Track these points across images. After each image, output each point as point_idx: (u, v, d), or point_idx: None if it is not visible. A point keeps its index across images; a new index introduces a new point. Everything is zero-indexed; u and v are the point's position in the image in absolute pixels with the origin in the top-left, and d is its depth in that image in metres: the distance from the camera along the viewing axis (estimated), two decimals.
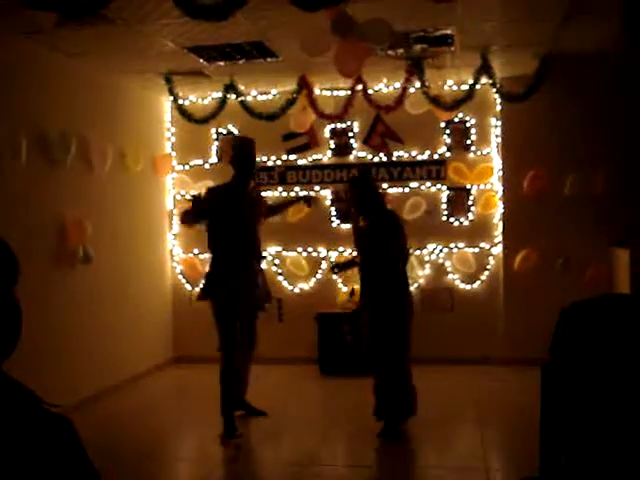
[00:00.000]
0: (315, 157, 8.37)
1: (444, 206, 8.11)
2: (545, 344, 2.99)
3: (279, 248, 8.43)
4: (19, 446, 1.19)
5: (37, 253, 5.98)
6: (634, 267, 6.59)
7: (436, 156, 8.12)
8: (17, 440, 1.19)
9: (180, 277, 8.65)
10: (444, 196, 8.12)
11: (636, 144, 5.17)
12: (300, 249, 8.38)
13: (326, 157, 8.37)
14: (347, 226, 8.20)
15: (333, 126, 8.29)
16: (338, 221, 8.32)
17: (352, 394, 6.70)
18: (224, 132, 8.53)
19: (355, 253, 5.77)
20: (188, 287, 8.50)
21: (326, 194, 8.34)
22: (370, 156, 8.27)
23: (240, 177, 5.86)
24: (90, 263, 6.60)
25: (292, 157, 8.41)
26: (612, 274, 7.29)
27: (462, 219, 8.08)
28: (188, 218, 5.82)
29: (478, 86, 7.21)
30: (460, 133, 8.09)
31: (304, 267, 8.38)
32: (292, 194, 8.35)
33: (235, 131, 8.50)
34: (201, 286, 5.90)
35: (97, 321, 6.91)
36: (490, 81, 7.16)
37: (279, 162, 8.46)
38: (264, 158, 8.44)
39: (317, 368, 7.79)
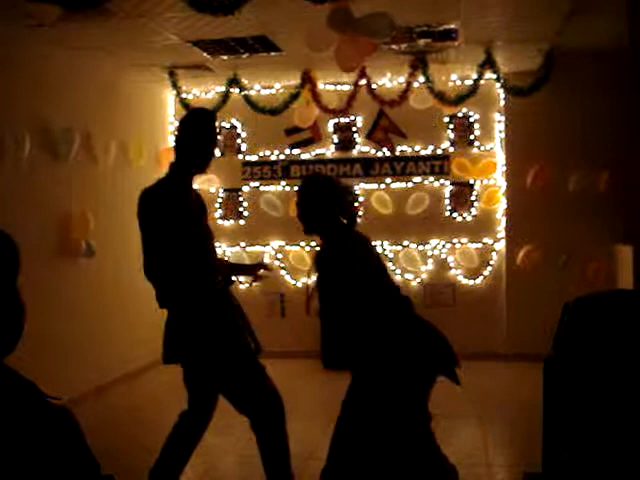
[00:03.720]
0: (318, 152, 8.36)
1: (447, 201, 8.11)
2: (548, 339, 2.98)
3: (282, 242, 8.43)
4: (21, 437, 1.19)
5: (40, 247, 5.98)
6: (637, 263, 6.59)
7: (439, 151, 8.11)
8: (19, 431, 1.19)
9: None
10: (447, 191, 8.11)
11: None
12: (303, 243, 8.37)
13: (329, 152, 8.36)
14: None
15: (336, 121, 8.28)
16: None
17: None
18: (227, 126, 8.52)
19: None
20: None
21: None
22: (373, 151, 8.25)
23: (183, 166, 3.88)
24: (93, 257, 6.61)
25: (295, 152, 8.41)
26: (615, 270, 7.28)
27: (465, 214, 8.07)
28: None
29: (482, 81, 7.19)
30: (464, 128, 8.07)
31: (307, 261, 8.38)
32: (295, 188, 8.34)
33: (238, 125, 8.49)
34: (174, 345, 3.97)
35: (99, 315, 6.92)
36: (494, 76, 7.15)
37: (282, 156, 8.45)
38: (267, 152, 8.44)
39: (319, 363, 7.79)
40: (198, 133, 3.84)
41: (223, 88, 7.74)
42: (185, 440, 3.98)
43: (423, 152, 8.13)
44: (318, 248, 3.60)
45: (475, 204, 8.05)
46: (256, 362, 3.93)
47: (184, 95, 7.83)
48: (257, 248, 8.49)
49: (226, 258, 4.25)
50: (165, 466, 3.93)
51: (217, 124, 3.97)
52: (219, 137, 8.48)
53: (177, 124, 4.00)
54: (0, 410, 1.20)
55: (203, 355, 3.75)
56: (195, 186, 4.01)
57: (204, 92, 8.37)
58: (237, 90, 7.69)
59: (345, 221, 3.62)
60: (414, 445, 3.31)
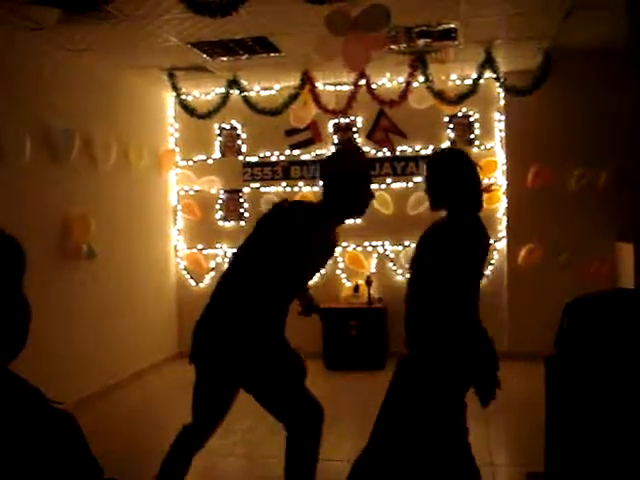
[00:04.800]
0: (319, 152, 8.36)
1: None
2: (549, 339, 2.98)
3: None
4: (24, 442, 1.19)
5: (41, 249, 5.98)
6: (638, 261, 6.59)
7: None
8: (22, 436, 1.19)
9: (184, 272, 8.66)
10: None
11: None
12: None
13: (329, 152, 8.35)
14: (350, 221, 8.19)
15: (336, 121, 8.29)
16: None
17: (357, 389, 6.70)
18: (227, 127, 8.52)
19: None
20: (192, 282, 8.52)
21: None
22: (374, 151, 8.25)
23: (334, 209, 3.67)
24: (94, 259, 6.61)
25: (295, 152, 8.41)
26: (616, 269, 7.28)
27: None
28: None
29: (482, 80, 7.19)
30: (464, 127, 8.07)
31: None
32: (296, 189, 8.36)
33: (238, 126, 8.49)
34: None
35: (101, 317, 6.92)
36: (494, 75, 7.15)
37: (282, 157, 8.45)
38: (267, 153, 8.45)
39: (321, 363, 7.79)
40: (361, 188, 3.64)
41: (223, 89, 7.75)
42: (184, 452, 3.92)
43: (423, 152, 8.12)
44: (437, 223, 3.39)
45: None
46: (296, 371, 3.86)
47: (184, 97, 7.84)
48: None
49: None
50: (166, 475, 3.91)
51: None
52: (217, 141, 8.47)
53: (338, 175, 3.65)
54: (3, 415, 1.20)
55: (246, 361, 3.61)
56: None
57: (204, 94, 8.37)
58: (237, 91, 7.69)
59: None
60: (450, 441, 3.33)
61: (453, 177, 3.28)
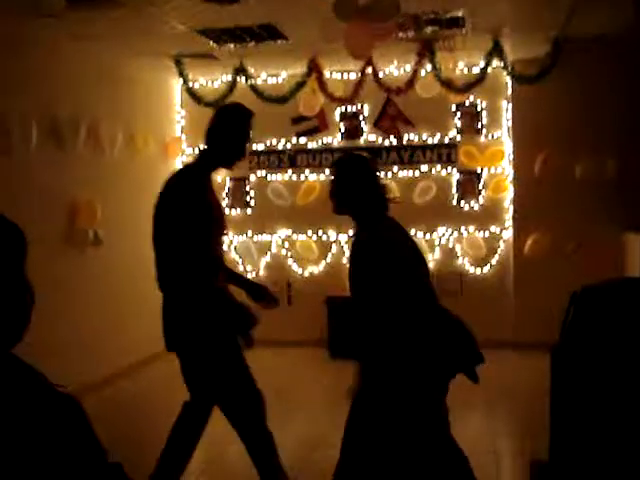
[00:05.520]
0: (325, 140, 8.34)
1: (454, 190, 8.09)
2: (555, 328, 2.98)
3: (289, 232, 8.43)
4: (28, 425, 1.20)
5: (48, 236, 5.99)
6: None
7: (447, 139, 8.08)
8: (26, 419, 1.20)
9: None
10: (454, 179, 8.09)
11: None
12: (310, 232, 8.37)
13: (336, 140, 8.34)
14: None
15: (343, 109, 8.26)
16: None
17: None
18: None
19: None
20: None
21: None
22: (380, 139, 8.23)
23: (212, 158, 3.92)
24: (100, 245, 6.63)
25: (302, 140, 8.40)
26: (623, 259, 7.26)
27: (472, 203, 8.05)
28: None
29: (489, 69, 7.16)
30: (471, 116, 8.04)
31: (314, 250, 8.38)
32: (302, 177, 8.36)
33: None
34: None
35: (106, 303, 6.93)
36: (502, 64, 7.11)
37: (289, 145, 8.44)
38: (274, 141, 8.44)
39: (326, 351, 7.80)
40: (236, 129, 3.91)
41: (229, 77, 7.73)
42: (189, 431, 4.00)
43: (430, 140, 8.10)
44: (353, 233, 3.47)
45: (482, 192, 8.03)
46: (241, 360, 3.95)
47: (190, 84, 7.83)
48: (264, 237, 8.50)
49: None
50: (170, 458, 3.97)
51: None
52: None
53: (215, 115, 4.01)
54: (8, 398, 1.21)
55: (192, 345, 3.83)
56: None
57: (210, 81, 8.35)
58: (243, 79, 7.67)
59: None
60: (430, 439, 3.28)
61: (354, 183, 3.35)
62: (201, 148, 3.99)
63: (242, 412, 3.94)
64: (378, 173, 3.49)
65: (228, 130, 3.90)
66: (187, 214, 3.70)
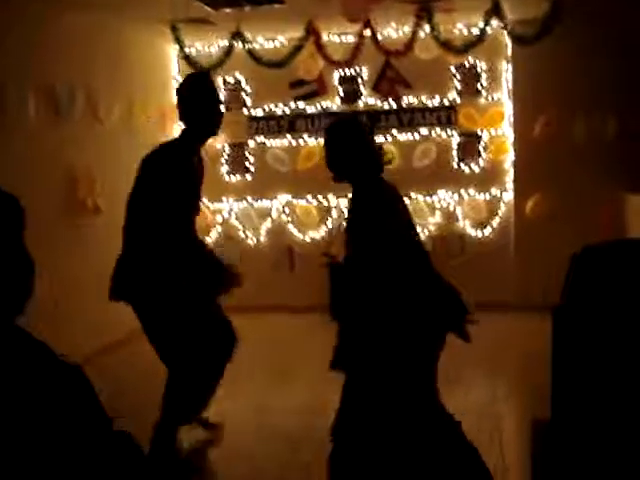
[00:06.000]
0: (324, 105, 8.29)
1: (455, 152, 8.05)
2: (556, 289, 2.98)
3: (289, 196, 8.41)
4: (33, 394, 1.20)
5: (47, 206, 5.98)
6: None
7: (446, 102, 8.02)
8: (31, 388, 1.21)
9: None
10: (454, 142, 8.05)
11: None
12: (310, 197, 8.36)
13: (335, 104, 8.29)
14: None
15: (342, 72, 8.20)
16: None
17: None
18: (231, 81, 8.44)
19: None
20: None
21: None
22: (380, 102, 8.18)
23: (193, 133, 4.11)
24: (99, 215, 6.62)
25: (300, 105, 8.34)
26: (624, 220, 7.25)
27: (473, 165, 8.02)
28: None
29: (489, 29, 7.08)
30: (470, 78, 7.98)
31: (314, 215, 8.37)
32: (301, 142, 8.32)
33: (242, 79, 8.41)
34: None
35: (106, 273, 6.93)
36: (501, 24, 7.04)
37: (287, 110, 8.38)
38: (272, 106, 8.38)
39: (329, 316, 7.82)
40: (199, 99, 4.01)
41: (226, 42, 7.65)
42: (180, 386, 4.18)
43: (430, 103, 8.05)
44: (350, 196, 3.47)
45: (483, 155, 8.00)
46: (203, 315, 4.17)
47: (187, 50, 7.75)
48: (264, 203, 8.48)
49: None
50: (168, 416, 4.17)
51: (215, 82, 4.16)
52: (221, 95, 8.39)
53: (176, 93, 4.14)
54: (13, 369, 1.21)
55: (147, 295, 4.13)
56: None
57: (207, 46, 8.27)
58: (240, 44, 7.60)
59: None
60: (419, 404, 3.32)
61: (346, 148, 3.35)
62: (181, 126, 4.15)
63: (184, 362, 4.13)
64: (371, 134, 3.50)
65: (190, 103, 4.01)
66: (161, 190, 3.95)
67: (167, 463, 4.12)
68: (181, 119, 4.11)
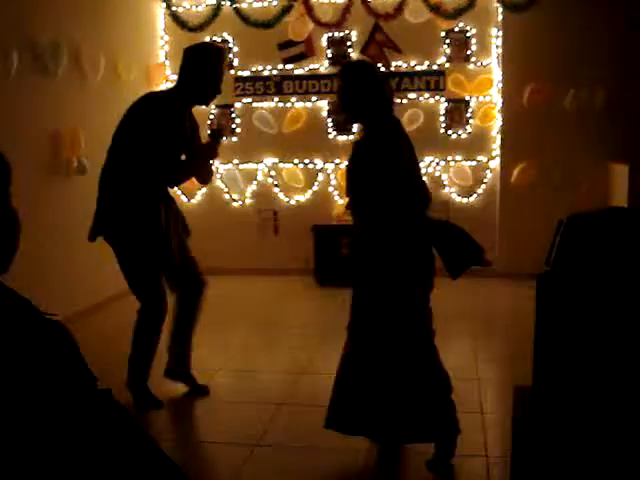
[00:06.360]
0: (312, 67, 8.21)
1: (442, 118, 8.02)
2: (540, 257, 2.99)
3: (275, 160, 8.37)
4: (17, 352, 1.20)
5: (31, 165, 5.92)
6: (632, 182, 6.59)
7: (435, 67, 7.97)
8: (15, 346, 1.20)
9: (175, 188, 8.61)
10: (442, 108, 8.01)
11: (638, 60, 5.08)
12: (296, 161, 8.32)
13: (323, 67, 8.21)
14: (344, 138, 8.12)
15: (330, 35, 8.11)
16: (335, 132, 8.23)
17: (347, 304, 6.77)
18: (219, 41, 8.34)
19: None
20: (184, 199, 8.43)
21: (323, 105, 8.23)
22: None
23: (184, 97, 4.30)
24: (85, 174, 6.55)
25: (288, 67, 8.25)
26: (609, 189, 7.28)
27: (460, 131, 8.00)
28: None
29: None
30: (460, 43, 7.91)
31: (300, 179, 8.34)
32: (288, 105, 8.24)
33: (230, 39, 8.30)
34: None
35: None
36: None
37: (275, 72, 8.30)
38: (259, 67, 8.29)
39: (313, 279, 7.85)
40: (204, 70, 4.15)
41: (214, 1, 7.54)
42: (146, 331, 4.48)
43: (418, 68, 7.99)
44: (358, 137, 3.54)
45: (470, 121, 7.97)
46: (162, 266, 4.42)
47: (174, 8, 7.64)
48: (250, 165, 8.43)
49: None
50: (135, 360, 4.48)
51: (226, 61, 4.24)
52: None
53: (185, 54, 4.28)
54: None
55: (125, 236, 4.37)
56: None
57: (194, 5, 8.14)
58: (228, 3, 7.49)
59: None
60: (419, 358, 3.50)
61: (364, 87, 3.41)
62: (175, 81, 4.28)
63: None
64: (383, 76, 3.59)
65: (197, 72, 4.14)
66: (140, 132, 4.19)
67: (138, 397, 4.40)
68: (180, 80, 4.22)
